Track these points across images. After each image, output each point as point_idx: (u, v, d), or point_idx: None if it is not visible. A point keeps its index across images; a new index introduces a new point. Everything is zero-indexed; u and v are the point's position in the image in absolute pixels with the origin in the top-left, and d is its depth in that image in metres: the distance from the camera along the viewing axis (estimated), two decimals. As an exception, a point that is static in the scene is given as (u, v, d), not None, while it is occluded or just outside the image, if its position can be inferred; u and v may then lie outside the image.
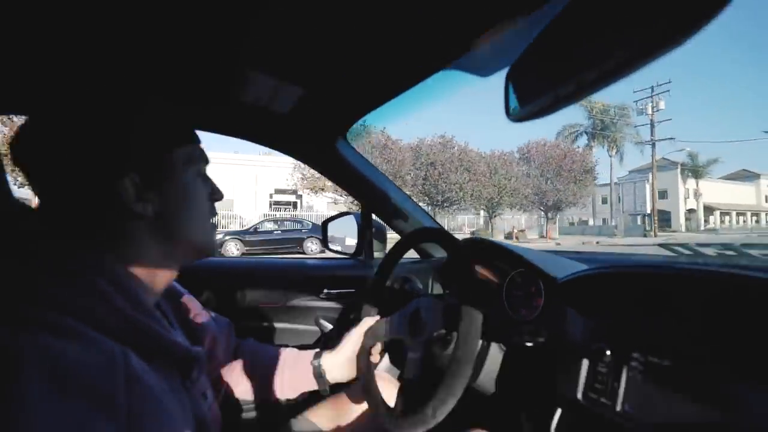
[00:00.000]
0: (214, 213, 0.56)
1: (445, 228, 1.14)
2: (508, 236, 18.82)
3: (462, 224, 22.71)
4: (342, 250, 1.42)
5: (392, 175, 16.67)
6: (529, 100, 0.41)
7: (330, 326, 1.20)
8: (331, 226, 1.45)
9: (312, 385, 0.79)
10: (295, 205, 23.58)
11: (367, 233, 1.33)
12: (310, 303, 1.26)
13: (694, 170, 32.72)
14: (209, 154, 0.56)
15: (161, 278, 0.50)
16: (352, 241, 1.38)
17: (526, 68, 0.41)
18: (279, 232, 13.81)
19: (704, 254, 1.07)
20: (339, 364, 0.80)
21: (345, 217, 1.44)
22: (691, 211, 33.46)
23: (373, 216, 1.32)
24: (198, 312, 0.67)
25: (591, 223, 31.26)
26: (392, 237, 1.22)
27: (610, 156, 30.52)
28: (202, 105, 0.95)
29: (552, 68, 0.37)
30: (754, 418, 0.48)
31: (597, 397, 0.65)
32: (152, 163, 0.47)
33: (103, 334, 0.37)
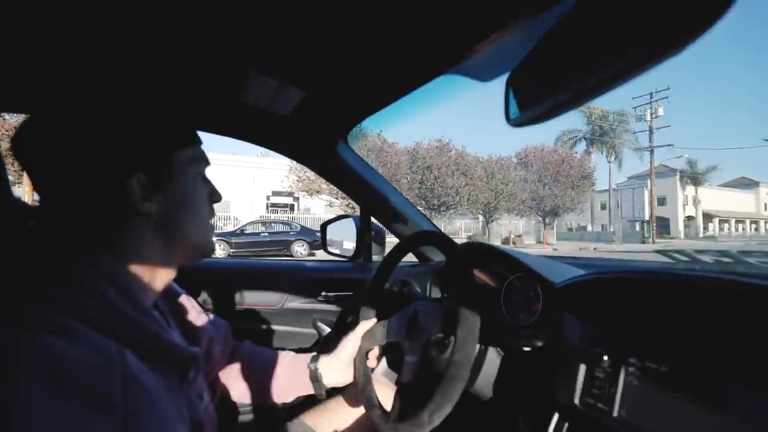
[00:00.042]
0: (212, 214, 0.56)
1: (443, 232, 1.13)
2: (505, 241, 18.77)
3: (459, 229, 22.65)
4: (340, 253, 1.42)
5: (388, 178, 16.37)
6: (529, 105, 0.41)
7: (328, 329, 1.19)
8: (330, 228, 1.44)
9: (309, 389, 0.79)
10: (292, 207, 23.38)
11: (365, 236, 1.33)
12: (308, 305, 1.26)
13: (693, 177, 32.80)
14: (207, 155, 0.56)
15: (160, 278, 0.50)
16: (350, 244, 1.38)
17: (527, 74, 0.41)
18: (266, 234, 13.72)
19: (701, 261, 1.07)
20: (336, 367, 0.79)
21: (344, 220, 1.44)
22: (690, 218, 33.52)
23: (372, 219, 1.32)
24: (195, 313, 0.67)
25: (589, 228, 31.26)
26: (391, 240, 1.22)
27: (609, 162, 30.70)
28: (203, 105, 0.95)
29: (552, 74, 0.38)
30: (751, 424, 0.48)
31: (594, 402, 0.65)
32: (157, 164, 0.47)
33: (102, 334, 0.37)
